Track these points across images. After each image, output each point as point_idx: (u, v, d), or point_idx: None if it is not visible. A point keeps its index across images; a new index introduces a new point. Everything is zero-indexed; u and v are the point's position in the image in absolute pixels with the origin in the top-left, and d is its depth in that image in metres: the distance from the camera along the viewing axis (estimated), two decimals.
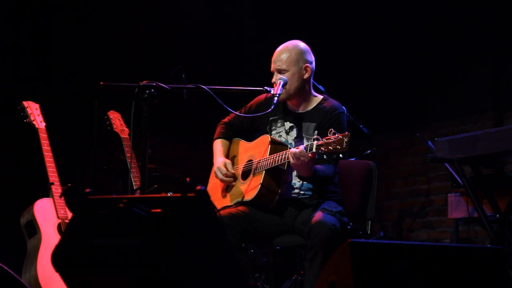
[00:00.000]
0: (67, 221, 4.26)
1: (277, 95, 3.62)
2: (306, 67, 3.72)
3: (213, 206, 2.29)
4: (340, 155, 3.41)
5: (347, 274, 2.31)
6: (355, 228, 3.73)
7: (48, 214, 4.28)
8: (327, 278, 2.45)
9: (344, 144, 3.25)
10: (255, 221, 3.63)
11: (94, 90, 3.30)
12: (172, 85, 3.38)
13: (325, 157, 3.52)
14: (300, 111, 3.79)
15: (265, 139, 3.76)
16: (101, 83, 3.29)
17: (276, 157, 3.58)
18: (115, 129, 4.66)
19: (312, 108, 3.78)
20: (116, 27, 6.04)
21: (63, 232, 4.15)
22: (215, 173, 3.84)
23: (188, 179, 2.32)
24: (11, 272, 2.48)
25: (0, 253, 3.85)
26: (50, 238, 4.18)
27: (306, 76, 3.73)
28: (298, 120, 3.78)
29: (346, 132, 3.29)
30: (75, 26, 5.92)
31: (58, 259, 2.31)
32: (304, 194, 3.70)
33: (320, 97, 3.83)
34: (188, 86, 3.51)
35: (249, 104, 3.94)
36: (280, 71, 3.71)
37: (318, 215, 3.45)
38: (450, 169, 4.55)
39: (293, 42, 3.78)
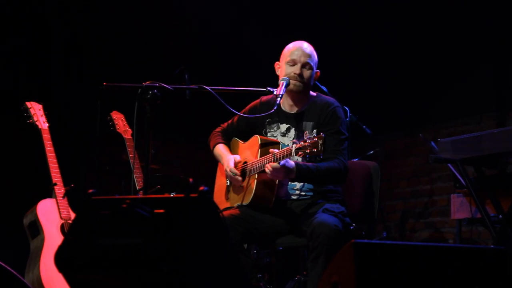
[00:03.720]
0: (70, 221, 4.27)
1: (280, 95, 3.62)
2: (317, 73, 3.81)
3: (216, 207, 2.29)
4: (318, 157, 3.45)
5: (350, 274, 2.31)
6: (358, 229, 3.73)
7: (51, 215, 4.28)
8: (330, 279, 2.45)
9: (319, 146, 3.28)
10: (257, 222, 3.64)
11: (97, 91, 3.30)
12: (175, 86, 3.39)
13: (306, 157, 3.53)
14: (295, 112, 3.80)
15: (255, 140, 3.78)
16: (104, 83, 3.30)
17: (266, 159, 3.59)
18: (118, 130, 4.67)
19: (306, 107, 3.78)
20: (119, 28, 6.05)
21: (66, 233, 4.17)
22: (227, 175, 3.80)
23: (191, 180, 2.32)
24: (14, 272, 2.48)
25: (3, 253, 3.85)
26: (53, 238, 4.19)
27: (315, 79, 3.82)
28: (294, 121, 3.79)
29: (321, 134, 3.33)
30: (78, 26, 5.93)
31: (61, 260, 2.32)
32: (305, 195, 3.70)
33: (313, 94, 3.85)
34: (191, 87, 3.51)
35: (243, 110, 3.94)
36: (305, 65, 3.72)
37: (320, 216, 3.45)
38: (453, 170, 4.54)
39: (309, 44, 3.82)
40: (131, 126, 4.68)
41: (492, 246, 3.85)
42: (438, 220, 6.26)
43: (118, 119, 4.72)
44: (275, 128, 3.82)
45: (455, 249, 2.61)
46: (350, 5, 6.53)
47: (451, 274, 2.42)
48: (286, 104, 3.82)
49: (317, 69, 3.80)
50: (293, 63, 3.73)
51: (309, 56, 3.74)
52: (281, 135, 3.79)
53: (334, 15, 6.56)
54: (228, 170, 3.74)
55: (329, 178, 3.64)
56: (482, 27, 5.81)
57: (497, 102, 5.82)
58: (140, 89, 3.23)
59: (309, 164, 3.58)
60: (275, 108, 3.62)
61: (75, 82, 5.86)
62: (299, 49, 3.75)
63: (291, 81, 3.71)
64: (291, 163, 3.51)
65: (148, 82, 3.25)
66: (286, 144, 3.71)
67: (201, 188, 2.21)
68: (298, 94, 3.75)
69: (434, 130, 6.21)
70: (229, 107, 3.51)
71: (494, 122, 5.77)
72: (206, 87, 3.46)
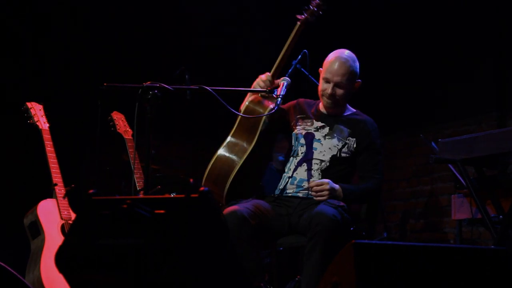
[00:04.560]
0: (70, 222, 4.27)
1: (281, 95, 3.63)
2: (358, 82, 3.83)
3: (217, 207, 2.29)
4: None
5: (351, 275, 2.31)
6: (358, 229, 3.73)
7: (52, 215, 4.28)
8: (330, 279, 2.45)
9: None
10: (265, 217, 3.64)
11: (98, 91, 3.30)
12: (175, 86, 3.39)
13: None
14: (332, 114, 3.86)
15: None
16: (105, 83, 3.30)
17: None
18: (118, 130, 4.67)
19: (346, 115, 3.87)
20: (119, 28, 6.05)
21: (66, 233, 4.17)
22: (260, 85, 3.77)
23: (191, 180, 2.32)
24: (15, 272, 2.48)
25: (3, 254, 3.85)
26: (53, 239, 4.19)
27: (354, 90, 3.84)
28: (330, 122, 3.84)
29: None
30: (78, 27, 5.93)
31: (62, 260, 2.32)
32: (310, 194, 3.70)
33: (354, 110, 3.93)
34: (191, 87, 3.51)
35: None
36: (338, 85, 3.75)
37: (320, 207, 3.48)
38: (454, 170, 4.54)
39: (350, 54, 3.82)
40: (131, 127, 4.68)
41: (492, 246, 3.84)
42: (439, 220, 6.25)
43: (119, 119, 4.72)
44: (309, 124, 3.86)
45: (456, 249, 2.61)
46: (351, 5, 6.53)
47: (451, 274, 2.42)
48: (322, 107, 3.90)
49: (357, 80, 3.82)
50: (327, 80, 3.77)
51: (344, 75, 3.73)
52: (314, 130, 3.83)
53: (334, 14, 6.56)
54: (262, 77, 3.74)
55: (366, 198, 3.79)
56: (483, 28, 5.81)
57: (498, 103, 5.82)
58: (140, 89, 3.24)
59: (351, 186, 3.73)
60: (275, 108, 3.63)
61: (75, 82, 5.85)
62: (335, 66, 3.75)
63: (323, 97, 3.80)
64: (335, 185, 3.63)
65: (148, 82, 3.25)
66: (317, 139, 3.78)
67: (202, 188, 2.21)
68: (332, 108, 3.82)
69: (434, 131, 6.21)
70: (229, 107, 3.51)
71: (495, 123, 5.77)
72: (206, 87, 3.46)
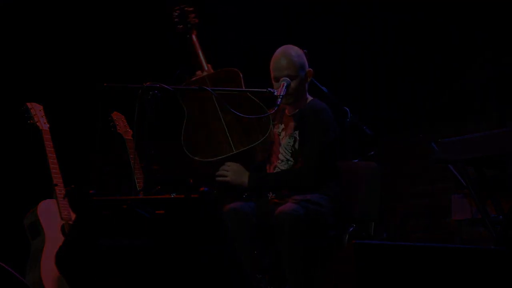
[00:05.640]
0: (70, 222, 4.27)
1: (281, 96, 3.63)
2: (309, 71, 3.78)
3: (217, 207, 2.29)
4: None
5: (351, 275, 2.31)
6: (358, 229, 3.73)
7: (52, 215, 4.28)
8: (331, 279, 2.45)
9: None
10: (269, 218, 3.65)
11: (98, 91, 3.31)
12: (176, 86, 3.39)
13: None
14: (292, 113, 3.84)
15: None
16: (105, 84, 3.30)
17: None
18: (118, 130, 4.67)
19: (298, 111, 3.81)
20: (120, 27, 6.05)
21: (67, 233, 4.17)
22: None
23: (191, 181, 2.33)
24: (15, 272, 2.48)
25: (3, 254, 3.86)
26: (53, 239, 4.19)
27: (308, 79, 3.80)
28: (288, 121, 3.84)
29: None
30: (79, 26, 5.92)
31: (62, 260, 2.32)
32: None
33: (310, 98, 3.85)
34: (191, 87, 3.52)
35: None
36: (291, 78, 3.70)
37: (281, 206, 3.47)
38: (454, 170, 4.54)
39: (289, 47, 3.78)
40: (131, 127, 4.68)
41: (492, 246, 3.85)
42: (439, 220, 6.25)
43: (119, 119, 4.72)
44: (277, 128, 3.86)
45: (456, 249, 2.61)
46: (351, 5, 6.53)
47: (451, 274, 2.42)
48: (287, 108, 3.87)
49: (308, 68, 3.76)
50: (276, 79, 3.73)
51: (287, 68, 3.69)
52: (278, 134, 3.85)
53: (335, 15, 6.56)
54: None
55: (284, 185, 3.66)
56: (483, 26, 5.81)
57: (498, 103, 5.82)
58: (140, 90, 3.24)
59: (270, 173, 3.68)
60: (276, 108, 3.63)
61: (75, 82, 5.85)
62: (276, 63, 3.73)
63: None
64: (243, 172, 3.61)
65: (148, 83, 3.26)
66: (281, 141, 3.78)
67: (202, 188, 2.21)
68: (292, 103, 3.77)
69: (434, 131, 6.21)
70: (229, 107, 3.52)
71: (495, 123, 5.77)
72: (206, 88, 3.47)
